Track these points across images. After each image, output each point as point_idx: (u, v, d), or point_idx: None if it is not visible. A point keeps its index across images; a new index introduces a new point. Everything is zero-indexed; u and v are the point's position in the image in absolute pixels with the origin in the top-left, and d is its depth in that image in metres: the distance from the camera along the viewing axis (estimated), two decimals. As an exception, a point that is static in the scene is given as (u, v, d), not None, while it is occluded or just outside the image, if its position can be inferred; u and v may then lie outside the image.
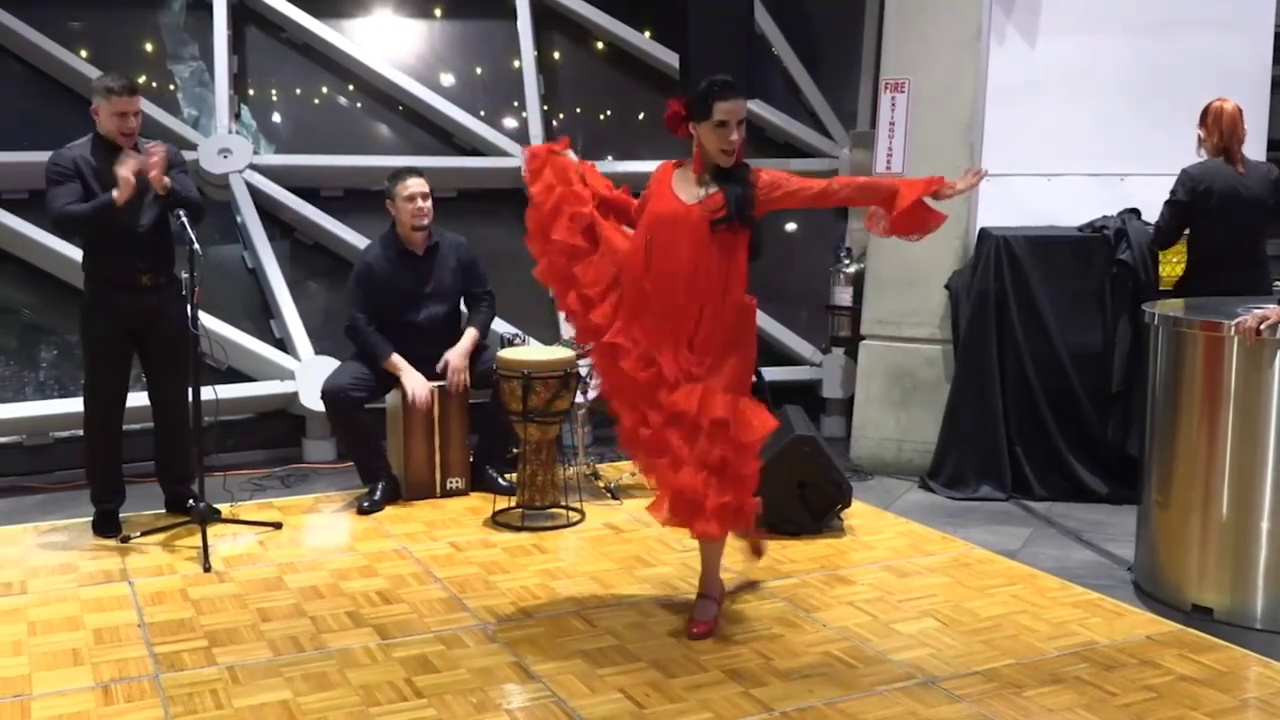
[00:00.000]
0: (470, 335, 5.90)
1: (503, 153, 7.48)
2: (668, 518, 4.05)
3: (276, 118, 7.44)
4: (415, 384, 5.71)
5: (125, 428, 5.35)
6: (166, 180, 4.94)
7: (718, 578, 4.33)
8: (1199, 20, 6.15)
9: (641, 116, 7.95)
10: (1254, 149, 6.08)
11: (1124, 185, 6.15)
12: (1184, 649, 4.05)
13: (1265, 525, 4.25)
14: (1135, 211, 5.99)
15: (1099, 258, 5.91)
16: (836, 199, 4.20)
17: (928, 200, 4.02)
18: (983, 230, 6.11)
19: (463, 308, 6.07)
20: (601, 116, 8.08)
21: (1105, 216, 6.00)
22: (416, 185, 5.76)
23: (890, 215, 4.01)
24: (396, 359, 5.73)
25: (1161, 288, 5.81)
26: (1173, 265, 5.88)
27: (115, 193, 4.90)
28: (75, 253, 5.49)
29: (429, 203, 5.79)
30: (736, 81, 4.01)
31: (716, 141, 3.94)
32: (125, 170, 4.88)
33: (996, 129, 6.22)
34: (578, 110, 8.00)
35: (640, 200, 4.19)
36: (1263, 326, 4.14)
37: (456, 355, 5.81)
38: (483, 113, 7.65)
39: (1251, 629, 4.23)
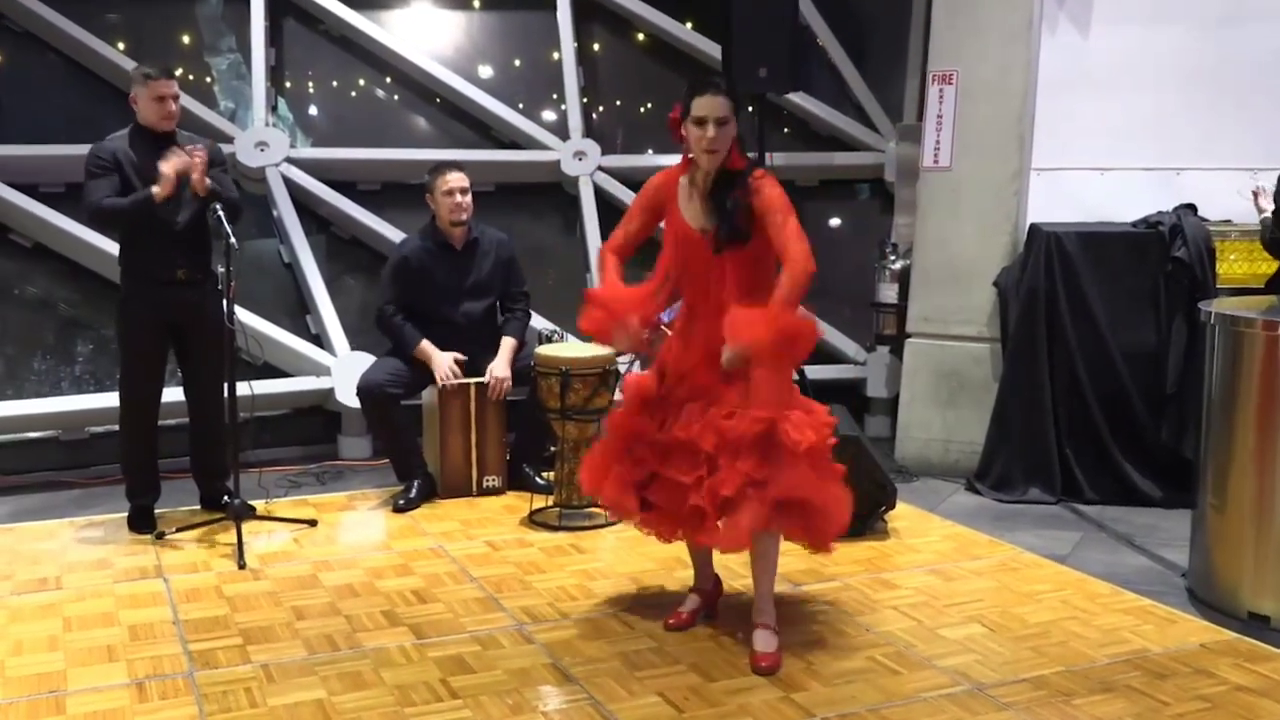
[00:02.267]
0: (508, 344, 5.87)
1: (542, 146, 7.50)
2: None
3: (313, 110, 7.48)
4: (442, 360, 5.72)
5: (161, 423, 5.37)
6: (208, 182, 4.99)
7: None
8: (1257, 10, 6.06)
9: (683, 109, 7.93)
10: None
11: (1180, 180, 6.09)
12: (1239, 658, 3.99)
13: (1325, 531, 4.19)
14: (1191, 207, 5.92)
15: (1153, 254, 5.84)
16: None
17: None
18: (1033, 226, 6.05)
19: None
20: (642, 109, 8.06)
21: (1160, 212, 5.92)
22: (456, 180, 5.76)
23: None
24: (426, 345, 5.73)
25: (1250, 285, 5.73)
26: (1230, 263, 5.82)
27: (155, 189, 4.94)
28: (112, 247, 5.55)
29: (468, 198, 5.79)
30: (725, 81, 3.95)
31: (695, 140, 3.89)
32: (168, 167, 4.92)
33: (1048, 122, 6.16)
34: (618, 103, 7.99)
35: (655, 206, 4.13)
36: (1323, 326, 4.09)
37: (501, 367, 5.79)
38: (521, 105, 7.65)
39: (1310, 638, 4.27)
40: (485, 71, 7.72)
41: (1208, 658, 3.98)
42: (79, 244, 6.36)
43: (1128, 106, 6.13)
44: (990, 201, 6.21)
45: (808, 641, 4.10)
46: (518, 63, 7.84)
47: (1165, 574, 4.90)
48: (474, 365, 5.82)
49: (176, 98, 5.11)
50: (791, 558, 4.85)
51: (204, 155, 4.96)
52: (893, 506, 5.37)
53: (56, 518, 5.52)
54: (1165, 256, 5.79)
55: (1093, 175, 6.18)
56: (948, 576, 4.80)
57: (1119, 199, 6.05)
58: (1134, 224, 5.96)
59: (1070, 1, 6.12)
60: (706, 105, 3.85)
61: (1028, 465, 5.99)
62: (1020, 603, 4.49)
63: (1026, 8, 6.07)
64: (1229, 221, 5.92)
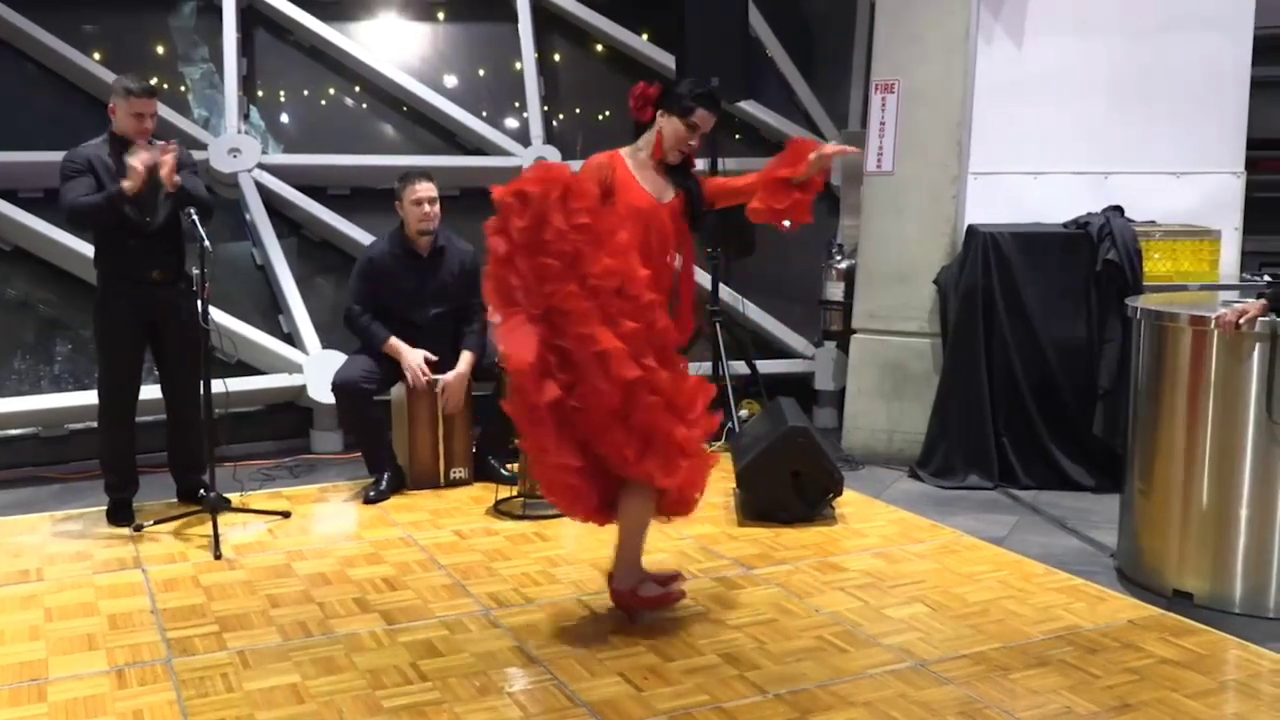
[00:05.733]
0: (466, 359, 5.92)
1: (505, 152, 7.55)
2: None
3: (284, 118, 7.51)
4: (412, 359, 5.78)
5: (138, 419, 5.41)
6: (176, 178, 5.02)
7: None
8: (1181, 21, 6.20)
9: (639, 117, 8.02)
10: (1234, 149, 6.18)
11: (1108, 183, 6.22)
12: (1165, 632, 4.11)
13: (1244, 512, 4.31)
14: (1118, 209, 6.03)
15: (1083, 253, 5.92)
16: (745, 187, 4.24)
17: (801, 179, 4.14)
18: (970, 227, 6.15)
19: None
20: (600, 117, 8.13)
21: (1089, 213, 6.03)
22: (425, 190, 5.80)
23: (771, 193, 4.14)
24: (394, 341, 5.80)
25: (1173, 282, 5.83)
26: (1154, 261, 5.94)
27: (125, 182, 4.97)
28: (89, 250, 5.52)
29: (436, 207, 5.83)
30: (721, 94, 4.11)
31: (679, 140, 4.06)
32: (136, 160, 4.95)
33: (984, 128, 6.28)
34: (577, 111, 8.06)
35: (601, 190, 4.04)
36: (1241, 321, 4.19)
37: (455, 380, 5.87)
38: (485, 113, 7.72)
39: (1231, 613, 4.32)
40: (450, 81, 7.79)
41: (1135, 633, 4.10)
42: (57, 247, 6.38)
43: (1059, 114, 6.25)
44: (930, 204, 6.33)
45: (760, 622, 4.19)
46: (481, 72, 7.91)
47: (1096, 555, 5.01)
48: (440, 367, 5.88)
49: (154, 116, 5.15)
50: (744, 543, 5.04)
51: (174, 151, 5.01)
52: (840, 493, 5.45)
53: (37, 512, 5.54)
54: (1094, 256, 5.87)
55: (1027, 179, 6.29)
56: (892, 559, 4.89)
57: (1051, 201, 6.16)
58: (1065, 225, 6.05)
59: (1005, 14, 6.23)
60: (707, 120, 4.08)
61: (967, 453, 6.10)
62: (960, 583, 4.60)
63: (964, 20, 6.18)
64: (1153, 222, 6.06)
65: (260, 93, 7.42)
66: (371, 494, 5.77)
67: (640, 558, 4.24)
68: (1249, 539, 4.34)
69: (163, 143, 5.09)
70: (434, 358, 5.87)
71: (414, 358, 5.80)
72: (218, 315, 5.81)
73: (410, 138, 7.63)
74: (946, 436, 6.18)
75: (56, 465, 6.23)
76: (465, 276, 5.97)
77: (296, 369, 6.62)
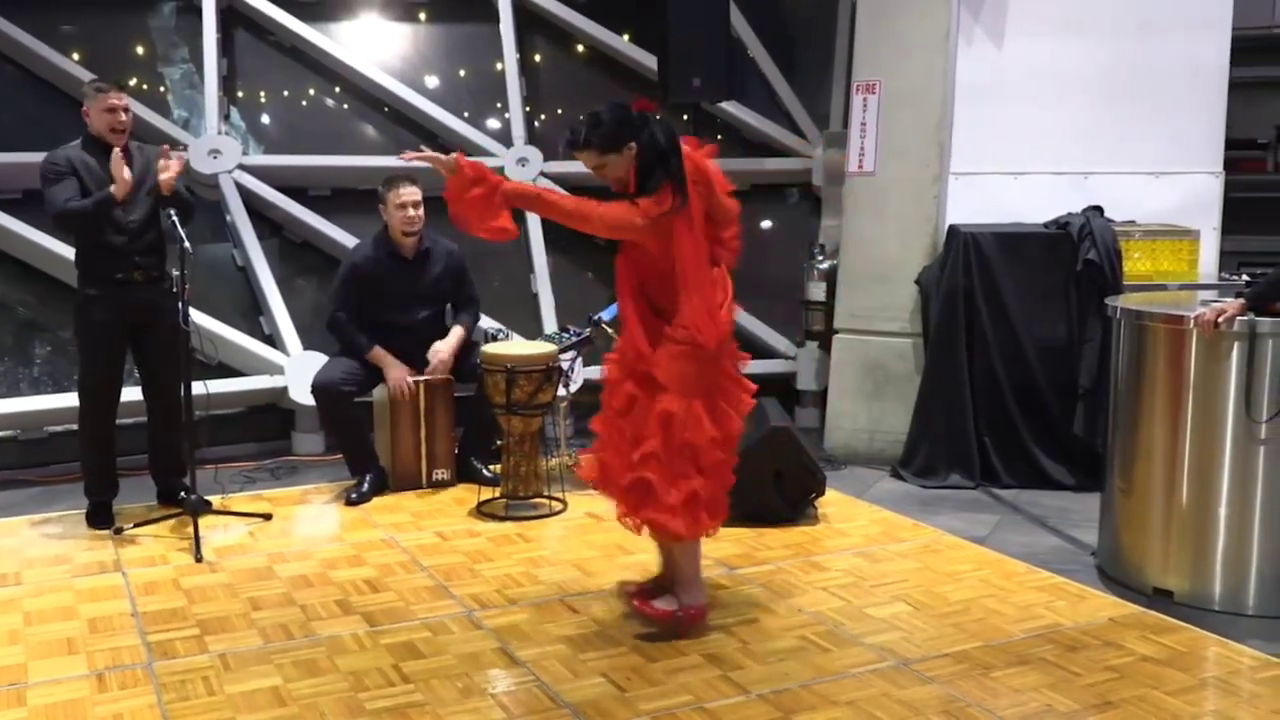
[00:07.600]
0: (457, 332, 5.97)
1: (486, 153, 7.51)
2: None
3: (265, 119, 7.48)
4: (397, 374, 5.81)
5: (118, 421, 5.39)
6: (175, 184, 5.08)
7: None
8: (1161, 22, 6.24)
9: (622, 117, 8.02)
10: (1213, 149, 6.23)
11: (1088, 183, 6.26)
12: (1145, 630, 4.15)
13: (1223, 511, 4.35)
14: (1098, 209, 6.07)
15: (1064, 253, 5.95)
16: None
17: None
18: (952, 227, 6.18)
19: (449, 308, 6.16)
20: (582, 117, 8.02)
21: (1069, 214, 6.06)
22: (409, 194, 5.81)
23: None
24: (379, 350, 5.81)
25: (1153, 281, 5.87)
26: (1134, 261, 5.98)
27: (113, 188, 4.99)
28: (68, 251, 5.51)
29: (420, 211, 5.84)
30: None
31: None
32: (121, 169, 4.97)
33: (965, 129, 6.31)
34: (559, 111, 8.04)
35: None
36: (1220, 320, 4.23)
37: (445, 346, 5.90)
38: (466, 114, 7.71)
39: (1210, 611, 4.35)
40: (431, 81, 7.77)
41: (1116, 631, 4.14)
42: (36, 249, 6.35)
43: (1039, 114, 6.28)
44: (912, 204, 6.36)
45: (743, 622, 4.20)
46: (462, 73, 7.90)
47: (1077, 553, 5.04)
48: (422, 368, 5.89)
49: (127, 109, 5.15)
50: (727, 543, 5.03)
51: (183, 160, 5.10)
52: (822, 493, 5.47)
53: (16, 515, 5.51)
54: (1074, 255, 5.89)
55: (1007, 179, 6.32)
56: (874, 559, 4.92)
57: (1032, 201, 6.20)
58: (1045, 225, 6.08)
59: (985, 14, 6.26)
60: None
61: (948, 453, 6.13)
62: (942, 582, 4.63)
63: (944, 21, 6.21)
64: (1133, 222, 6.09)
65: (240, 93, 7.39)
66: (353, 496, 5.76)
67: None
68: (1228, 537, 4.38)
69: (165, 146, 5.14)
70: (415, 375, 5.88)
71: (398, 372, 5.82)
72: (198, 317, 5.80)
73: (391, 139, 7.60)
74: (928, 436, 6.21)
75: (36, 468, 6.20)
76: (451, 275, 6.02)
77: (278, 371, 6.61)
